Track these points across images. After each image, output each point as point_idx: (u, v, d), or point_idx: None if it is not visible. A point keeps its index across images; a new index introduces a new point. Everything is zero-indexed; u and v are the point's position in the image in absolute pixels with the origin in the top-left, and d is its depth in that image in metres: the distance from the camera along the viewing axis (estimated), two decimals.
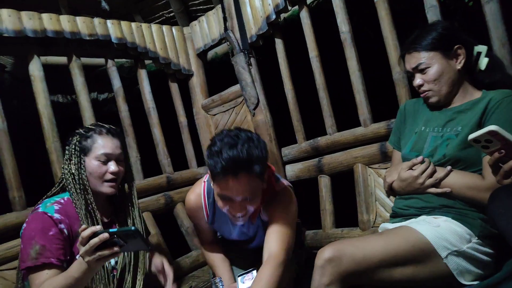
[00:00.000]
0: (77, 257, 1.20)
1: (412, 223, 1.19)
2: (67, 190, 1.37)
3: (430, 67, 1.27)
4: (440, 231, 1.11)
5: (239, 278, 1.37)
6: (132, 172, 1.62)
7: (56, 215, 1.28)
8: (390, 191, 1.36)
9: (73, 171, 1.35)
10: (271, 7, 2.17)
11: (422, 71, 1.29)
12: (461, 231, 1.13)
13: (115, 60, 2.34)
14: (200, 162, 2.64)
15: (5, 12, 1.81)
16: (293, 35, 2.31)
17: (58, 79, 2.41)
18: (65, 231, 1.29)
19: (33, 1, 2.26)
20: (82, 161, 1.36)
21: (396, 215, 1.33)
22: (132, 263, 1.44)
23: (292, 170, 2.32)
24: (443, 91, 1.28)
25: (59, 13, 2.13)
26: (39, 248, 1.21)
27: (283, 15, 2.25)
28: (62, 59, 2.18)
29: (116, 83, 2.30)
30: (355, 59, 1.98)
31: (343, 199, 2.21)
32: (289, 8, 2.15)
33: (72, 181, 1.35)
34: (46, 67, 2.03)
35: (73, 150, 1.37)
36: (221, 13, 2.43)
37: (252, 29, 2.29)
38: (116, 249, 1.08)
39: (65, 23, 2.02)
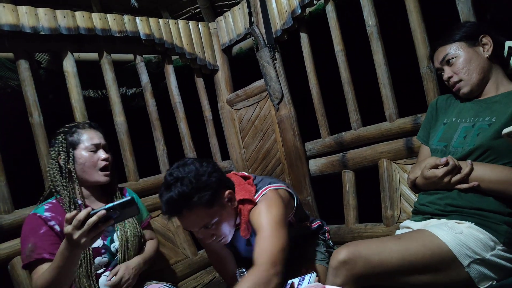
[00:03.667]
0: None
1: (432, 226, 1.14)
2: (54, 187, 1.44)
3: (457, 57, 1.28)
4: (462, 238, 1.06)
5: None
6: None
7: (46, 214, 1.37)
8: (414, 187, 1.34)
9: (61, 164, 1.44)
10: (297, 2, 2.16)
11: (449, 62, 1.30)
12: (485, 238, 1.08)
13: (143, 55, 2.40)
14: (225, 156, 2.69)
15: (42, 11, 1.90)
16: (318, 29, 2.30)
17: (89, 74, 2.51)
18: (56, 227, 1.35)
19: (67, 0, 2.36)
20: (71, 155, 1.45)
21: (417, 212, 1.31)
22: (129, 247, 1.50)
23: (315, 165, 2.32)
24: (473, 79, 1.26)
25: (91, 11, 2.21)
26: (31, 246, 1.31)
27: (308, 9, 2.24)
28: (94, 56, 2.26)
29: (144, 78, 2.37)
30: (382, 52, 1.95)
31: (366, 194, 2.19)
32: (315, 2, 2.14)
33: (59, 174, 1.43)
34: (79, 63, 2.11)
35: (61, 146, 1.44)
36: (246, 8, 2.45)
37: (277, 24, 2.29)
38: (111, 222, 1.12)
39: (97, 20, 2.10)
